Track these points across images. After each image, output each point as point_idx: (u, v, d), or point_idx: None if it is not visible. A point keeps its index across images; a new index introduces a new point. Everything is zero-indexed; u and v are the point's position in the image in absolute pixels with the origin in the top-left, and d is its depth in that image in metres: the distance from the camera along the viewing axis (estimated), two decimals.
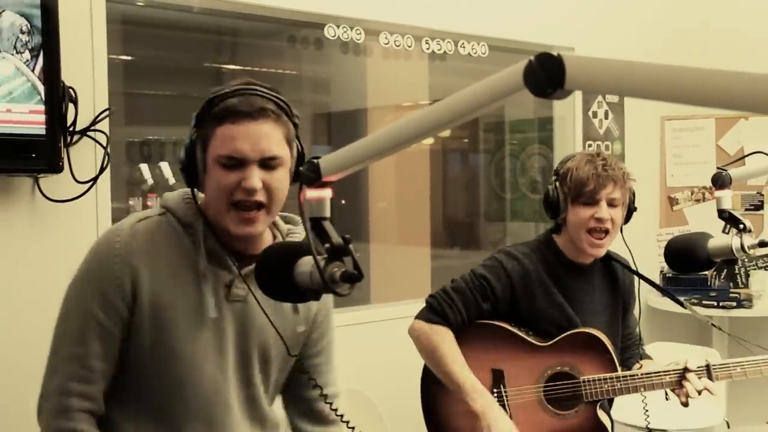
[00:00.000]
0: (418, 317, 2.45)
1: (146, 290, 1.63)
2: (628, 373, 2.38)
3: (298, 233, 1.79)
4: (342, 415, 1.73)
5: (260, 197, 1.61)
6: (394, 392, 3.06)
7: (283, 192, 1.66)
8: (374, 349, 3.39)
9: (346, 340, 3.31)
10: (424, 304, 2.46)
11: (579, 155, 2.43)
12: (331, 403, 1.82)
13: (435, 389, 2.47)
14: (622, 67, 0.87)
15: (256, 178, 1.59)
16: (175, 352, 1.65)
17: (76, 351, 1.64)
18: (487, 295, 2.40)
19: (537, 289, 2.42)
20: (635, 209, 2.45)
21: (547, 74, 0.88)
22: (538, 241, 2.53)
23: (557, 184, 2.41)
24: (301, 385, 1.87)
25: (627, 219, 2.44)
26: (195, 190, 1.69)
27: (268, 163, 1.61)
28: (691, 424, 3.44)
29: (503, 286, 2.41)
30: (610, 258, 2.54)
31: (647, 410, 2.46)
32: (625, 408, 2.97)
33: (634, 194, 2.43)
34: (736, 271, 4.36)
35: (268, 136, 1.60)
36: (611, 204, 2.35)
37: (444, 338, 2.37)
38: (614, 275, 2.56)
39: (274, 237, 1.78)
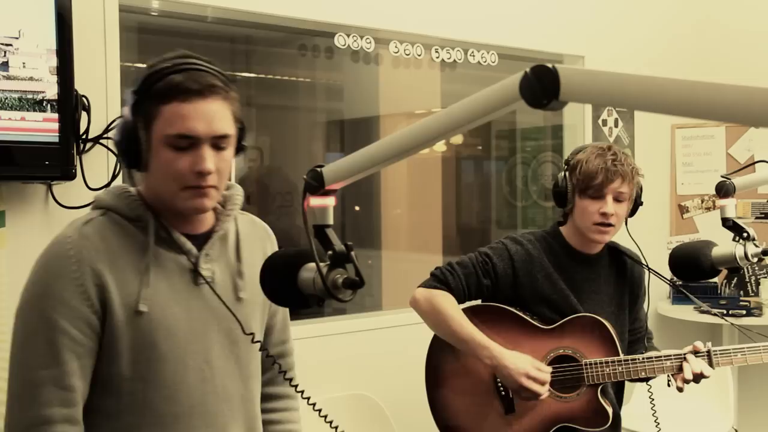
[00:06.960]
0: (420, 286, 2.48)
1: (115, 294, 1.52)
2: (629, 357, 2.41)
3: (236, 194, 1.73)
4: (291, 379, 1.78)
5: (212, 181, 1.54)
6: (405, 398, 3.08)
7: (230, 170, 1.60)
8: (386, 355, 3.40)
9: (358, 345, 3.35)
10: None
11: (590, 147, 2.44)
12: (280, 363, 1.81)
13: (439, 370, 2.52)
14: (617, 80, 0.88)
15: (210, 160, 1.52)
16: (159, 353, 1.56)
17: (52, 373, 1.50)
18: (489, 272, 2.45)
19: (539, 274, 2.45)
20: (641, 203, 2.47)
21: (542, 86, 0.90)
22: (544, 231, 2.57)
23: (567, 174, 2.43)
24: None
25: (632, 212, 2.46)
26: (129, 179, 1.62)
27: (218, 143, 1.54)
28: None
29: (505, 266, 2.45)
30: (617, 250, 2.57)
31: (657, 419, 2.47)
32: (635, 415, 2.98)
33: (641, 189, 2.45)
34: (747, 280, 4.35)
35: (219, 115, 1.53)
36: (617, 199, 2.37)
37: (446, 300, 2.40)
38: (622, 266, 2.57)
39: (215, 209, 1.70)
